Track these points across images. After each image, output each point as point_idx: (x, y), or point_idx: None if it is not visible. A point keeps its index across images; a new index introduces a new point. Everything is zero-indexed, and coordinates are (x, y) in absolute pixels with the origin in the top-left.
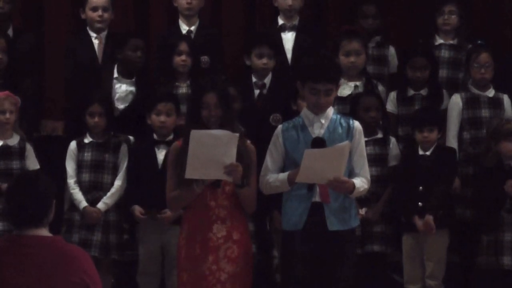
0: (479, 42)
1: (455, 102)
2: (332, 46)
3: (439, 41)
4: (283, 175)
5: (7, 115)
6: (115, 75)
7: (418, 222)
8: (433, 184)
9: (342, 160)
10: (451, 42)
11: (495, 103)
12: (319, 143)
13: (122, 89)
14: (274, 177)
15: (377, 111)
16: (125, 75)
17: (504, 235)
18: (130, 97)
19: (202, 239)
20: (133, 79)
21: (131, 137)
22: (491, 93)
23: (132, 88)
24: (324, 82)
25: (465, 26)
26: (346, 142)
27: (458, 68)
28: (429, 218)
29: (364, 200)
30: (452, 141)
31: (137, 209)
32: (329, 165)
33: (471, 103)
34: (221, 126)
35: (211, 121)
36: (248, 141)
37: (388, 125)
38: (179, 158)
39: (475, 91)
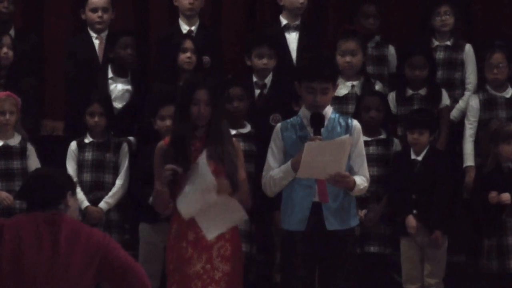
0: (496, 42)
1: (473, 103)
2: (330, 46)
3: (435, 43)
4: (285, 165)
5: (7, 116)
6: (110, 75)
7: (411, 221)
8: (427, 191)
9: (343, 154)
10: (447, 43)
11: None
12: (318, 117)
13: (118, 88)
14: (276, 170)
15: (377, 111)
16: (120, 74)
17: (508, 239)
18: (127, 95)
19: (194, 238)
20: (128, 78)
21: (131, 138)
22: (508, 93)
23: (128, 87)
24: (319, 80)
25: (460, 25)
26: (346, 136)
27: (453, 68)
28: (438, 234)
29: (363, 199)
30: (469, 139)
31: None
32: (330, 159)
33: (488, 104)
34: (209, 124)
35: (200, 119)
36: (234, 139)
37: (391, 126)
38: (166, 157)
39: (492, 92)
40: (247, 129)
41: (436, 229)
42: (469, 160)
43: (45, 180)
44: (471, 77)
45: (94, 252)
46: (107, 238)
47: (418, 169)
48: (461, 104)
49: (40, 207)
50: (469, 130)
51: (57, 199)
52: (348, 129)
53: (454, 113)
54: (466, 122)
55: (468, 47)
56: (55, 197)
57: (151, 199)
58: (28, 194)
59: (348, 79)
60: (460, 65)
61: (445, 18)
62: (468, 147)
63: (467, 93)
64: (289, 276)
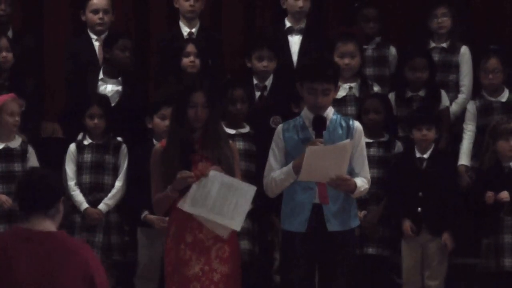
0: (491, 47)
1: (470, 109)
2: (329, 48)
3: (432, 45)
4: (287, 167)
5: (16, 118)
6: (100, 76)
7: (407, 225)
8: (434, 189)
9: (344, 158)
10: (443, 45)
11: (509, 108)
12: (320, 120)
13: (108, 89)
14: (277, 172)
15: (375, 114)
16: (111, 75)
17: (504, 237)
18: (116, 96)
19: (192, 240)
20: (119, 79)
21: (119, 139)
22: (504, 97)
23: (119, 88)
24: (321, 81)
25: (458, 27)
26: (348, 140)
27: (447, 70)
28: (447, 236)
29: (363, 201)
30: (467, 140)
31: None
32: (331, 163)
33: (484, 110)
34: (206, 126)
35: (197, 121)
36: (230, 141)
37: (393, 128)
38: (164, 159)
39: (488, 97)
40: (247, 129)
41: (445, 231)
42: (463, 159)
43: (43, 181)
44: (465, 79)
45: (82, 269)
46: (93, 256)
47: (426, 167)
48: (454, 107)
49: (33, 208)
50: (468, 133)
51: (52, 202)
52: (349, 131)
53: None
54: (464, 126)
55: (464, 49)
56: (51, 199)
57: (143, 215)
58: (24, 192)
59: (345, 81)
60: (455, 67)
61: (442, 20)
62: (465, 146)
63: (460, 96)
64: (289, 277)
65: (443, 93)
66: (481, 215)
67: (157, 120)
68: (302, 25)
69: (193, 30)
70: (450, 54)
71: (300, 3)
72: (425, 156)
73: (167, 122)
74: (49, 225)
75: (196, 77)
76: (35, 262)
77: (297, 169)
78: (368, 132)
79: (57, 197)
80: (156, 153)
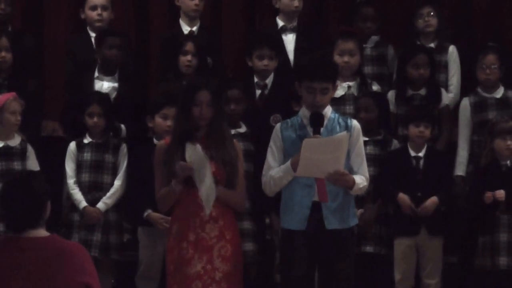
0: (489, 43)
1: (464, 106)
2: (328, 47)
3: None
4: (285, 165)
5: (18, 117)
6: (96, 74)
7: (403, 198)
8: (431, 188)
9: (341, 152)
10: (431, 45)
11: (504, 104)
12: (317, 117)
13: (104, 86)
14: (276, 170)
15: (366, 112)
16: (106, 72)
17: (500, 236)
18: (113, 92)
19: (195, 239)
20: (115, 75)
21: (122, 126)
22: (499, 93)
23: (115, 84)
24: (319, 80)
25: (444, 26)
26: (344, 133)
27: (438, 70)
28: (435, 199)
29: (360, 199)
30: (461, 147)
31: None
32: (328, 157)
33: (479, 106)
34: (210, 125)
35: (201, 120)
36: (234, 140)
37: (389, 126)
38: (167, 157)
39: (483, 93)
40: (244, 128)
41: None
42: (459, 169)
43: (26, 199)
44: (453, 79)
45: (76, 273)
46: (88, 259)
47: (423, 165)
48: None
49: (22, 228)
50: (462, 137)
51: (40, 214)
52: (347, 129)
53: None
54: (459, 131)
55: (452, 49)
56: (38, 213)
57: (146, 213)
58: (8, 216)
59: (344, 80)
60: (444, 67)
61: (428, 19)
62: (460, 156)
63: (449, 95)
64: (288, 276)
65: (443, 91)
66: (477, 214)
67: (158, 119)
68: (295, 23)
69: (194, 28)
70: (438, 54)
71: (296, 3)
72: (420, 154)
73: (169, 122)
74: (40, 231)
75: (202, 76)
76: (29, 270)
77: (295, 166)
78: (363, 130)
79: (44, 208)
80: (160, 150)
